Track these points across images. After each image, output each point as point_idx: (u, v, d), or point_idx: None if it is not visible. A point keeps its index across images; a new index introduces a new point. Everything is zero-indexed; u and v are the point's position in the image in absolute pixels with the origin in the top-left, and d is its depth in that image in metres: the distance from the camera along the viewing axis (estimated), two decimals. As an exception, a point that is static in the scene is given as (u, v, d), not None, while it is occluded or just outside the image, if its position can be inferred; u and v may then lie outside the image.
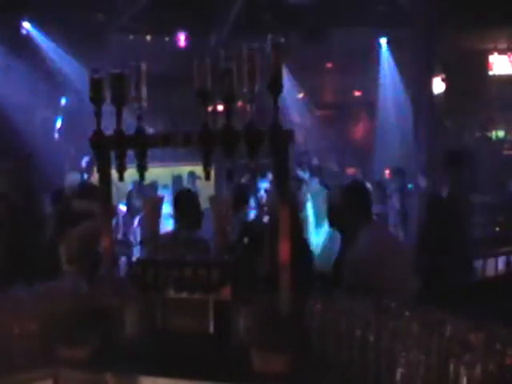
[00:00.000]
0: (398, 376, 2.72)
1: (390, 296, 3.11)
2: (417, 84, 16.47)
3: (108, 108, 3.69)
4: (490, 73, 16.99)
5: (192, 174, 12.15)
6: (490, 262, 8.72)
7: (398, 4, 14.32)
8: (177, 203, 5.98)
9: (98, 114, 3.67)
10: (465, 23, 14.39)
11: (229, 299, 3.37)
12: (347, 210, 4.53)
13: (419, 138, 15.93)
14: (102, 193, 3.91)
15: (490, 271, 8.62)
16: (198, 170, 3.64)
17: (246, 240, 5.82)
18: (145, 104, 3.60)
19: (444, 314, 2.79)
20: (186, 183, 12.14)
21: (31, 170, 8.49)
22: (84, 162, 10.17)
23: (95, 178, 4.02)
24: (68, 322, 3.53)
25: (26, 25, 13.55)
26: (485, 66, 16.94)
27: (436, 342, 2.65)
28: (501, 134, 18.09)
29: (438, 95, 16.55)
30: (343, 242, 4.94)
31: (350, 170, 15.77)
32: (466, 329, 2.62)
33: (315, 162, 13.81)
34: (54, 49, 13.69)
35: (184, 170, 12.67)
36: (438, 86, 16.49)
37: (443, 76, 16.48)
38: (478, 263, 8.36)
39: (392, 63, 16.87)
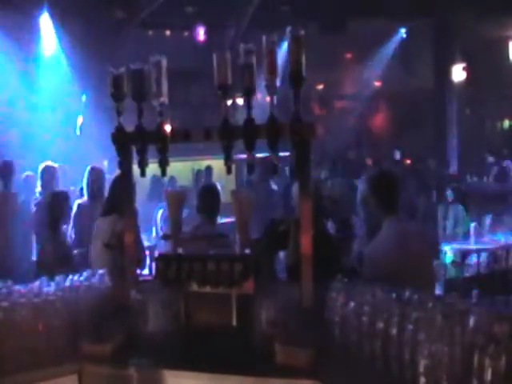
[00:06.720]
0: (422, 368, 2.71)
1: (413, 288, 3.09)
2: (437, 73, 16.41)
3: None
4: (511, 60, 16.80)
5: (209, 169, 12.26)
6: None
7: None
8: (200, 197, 5.97)
9: (119, 110, 3.68)
10: (484, 11, 14.25)
11: (251, 293, 3.37)
12: (371, 200, 4.44)
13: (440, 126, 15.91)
14: (125, 189, 3.93)
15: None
16: (220, 164, 3.61)
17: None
18: (166, 100, 3.59)
19: (467, 305, 2.77)
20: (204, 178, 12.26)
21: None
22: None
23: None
24: (92, 317, 3.56)
25: (46, 17, 13.51)
26: (505, 53, 16.77)
27: (459, 333, 2.63)
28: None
29: (459, 83, 16.44)
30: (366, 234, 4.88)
31: (370, 161, 15.69)
32: (490, 320, 2.60)
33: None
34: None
35: (204, 164, 12.74)
36: (459, 74, 16.38)
37: (464, 64, 16.37)
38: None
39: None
